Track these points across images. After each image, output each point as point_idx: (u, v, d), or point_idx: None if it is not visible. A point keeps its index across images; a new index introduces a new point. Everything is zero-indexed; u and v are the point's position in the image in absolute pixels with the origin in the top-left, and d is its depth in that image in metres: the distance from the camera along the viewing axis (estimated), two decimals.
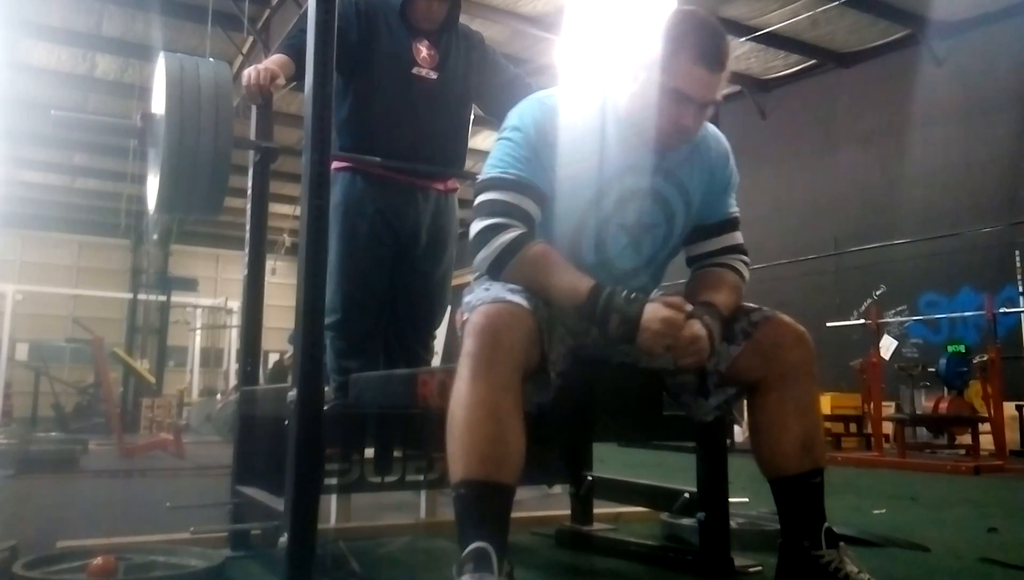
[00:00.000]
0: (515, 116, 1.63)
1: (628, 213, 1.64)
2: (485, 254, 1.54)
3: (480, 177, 1.63)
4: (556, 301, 1.52)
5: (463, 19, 2.58)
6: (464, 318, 1.48)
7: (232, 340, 13.61)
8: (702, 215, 1.72)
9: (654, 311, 1.46)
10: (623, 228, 1.65)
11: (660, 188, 1.65)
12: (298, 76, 2.23)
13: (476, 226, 1.57)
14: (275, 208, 11.87)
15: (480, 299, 1.47)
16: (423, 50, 2.44)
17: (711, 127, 1.72)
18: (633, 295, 1.50)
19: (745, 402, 1.67)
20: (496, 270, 1.54)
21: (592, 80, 1.68)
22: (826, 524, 1.55)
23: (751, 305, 1.66)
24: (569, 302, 1.51)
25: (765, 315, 1.62)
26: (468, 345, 1.40)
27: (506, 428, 1.36)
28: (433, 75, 2.44)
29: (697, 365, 1.55)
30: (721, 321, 1.55)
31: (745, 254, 1.75)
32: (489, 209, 1.56)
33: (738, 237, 1.75)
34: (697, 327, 1.49)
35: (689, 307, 1.51)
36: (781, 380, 1.58)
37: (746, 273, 1.73)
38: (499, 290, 1.48)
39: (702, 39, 1.52)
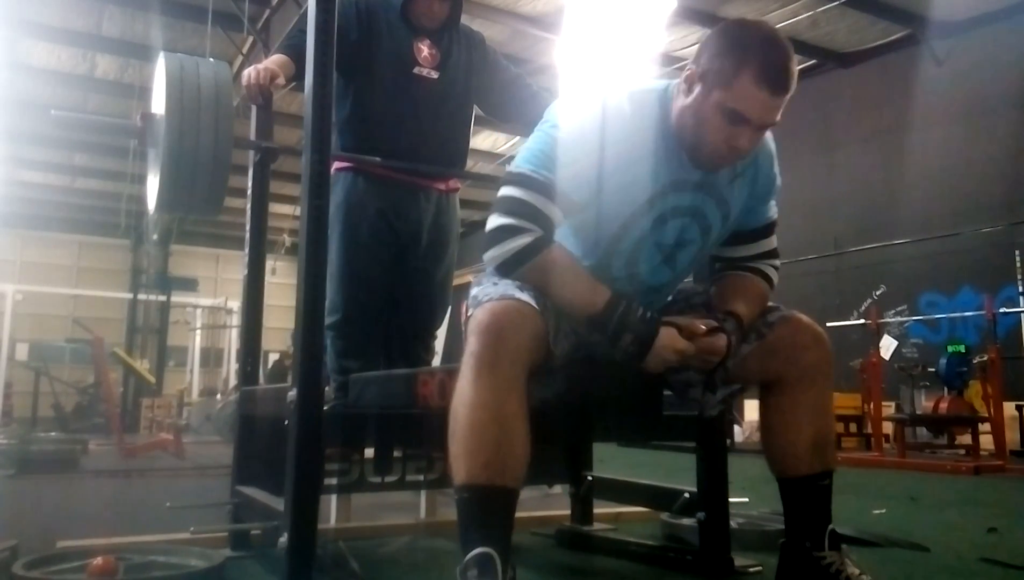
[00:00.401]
0: (561, 113, 1.53)
1: (667, 232, 1.56)
2: (496, 254, 1.48)
3: (509, 167, 1.54)
4: (568, 309, 1.48)
5: (463, 19, 2.58)
6: (469, 313, 1.45)
7: (232, 340, 13.60)
8: (740, 222, 1.65)
9: (670, 340, 1.43)
10: (659, 246, 1.58)
11: (701, 204, 1.57)
12: (298, 76, 2.22)
13: (492, 222, 1.49)
14: (275, 208, 11.86)
15: (487, 295, 1.43)
16: (424, 49, 2.44)
17: None
18: (649, 315, 1.45)
19: (757, 401, 1.66)
20: (505, 272, 1.49)
21: (646, 88, 1.57)
22: (830, 526, 1.55)
23: (770, 304, 1.64)
24: (582, 312, 1.47)
25: (783, 316, 1.60)
26: (472, 344, 1.36)
27: (510, 431, 1.33)
28: (434, 75, 2.44)
29: (703, 369, 1.53)
30: (742, 334, 1.53)
31: (777, 258, 1.69)
32: (509, 207, 1.48)
33: (772, 242, 1.68)
34: (721, 343, 1.47)
35: (703, 328, 1.47)
36: (798, 380, 1.57)
37: (775, 278, 1.67)
38: (507, 286, 1.44)
39: (768, 57, 1.39)
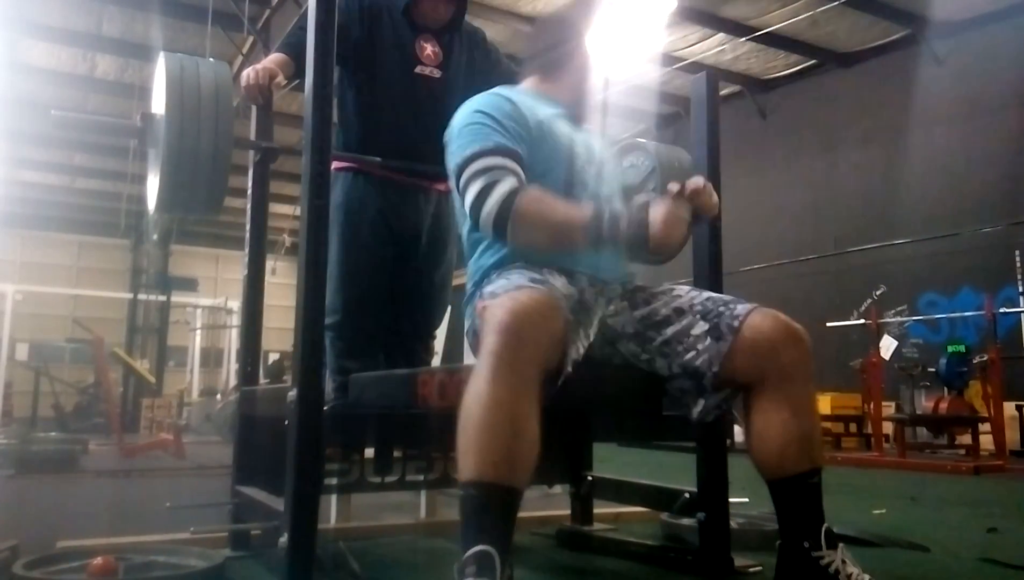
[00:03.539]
0: (473, 106, 1.73)
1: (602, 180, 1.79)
2: (486, 213, 1.56)
3: (456, 160, 1.66)
4: (564, 234, 1.56)
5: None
6: (484, 305, 1.47)
7: (232, 340, 13.60)
8: None
9: (661, 205, 1.51)
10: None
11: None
12: (298, 75, 2.22)
13: (470, 195, 1.59)
14: (275, 208, 11.87)
15: (503, 288, 1.47)
16: (427, 48, 2.43)
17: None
18: (632, 201, 1.59)
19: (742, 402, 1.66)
20: (500, 225, 1.56)
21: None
22: (825, 524, 1.55)
23: (726, 297, 1.65)
24: (576, 227, 1.54)
25: (748, 308, 1.60)
26: (490, 342, 1.35)
27: (523, 431, 1.33)
28: (437, 73, 2.43)
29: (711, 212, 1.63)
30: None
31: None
32: (476, 172, 1.60)
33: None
34: (700, 182, 1.57)
35: (676, 186, 1.55)
36: (778, 379, 1.55)
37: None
38: (519, 276, 1.51)
39: None
